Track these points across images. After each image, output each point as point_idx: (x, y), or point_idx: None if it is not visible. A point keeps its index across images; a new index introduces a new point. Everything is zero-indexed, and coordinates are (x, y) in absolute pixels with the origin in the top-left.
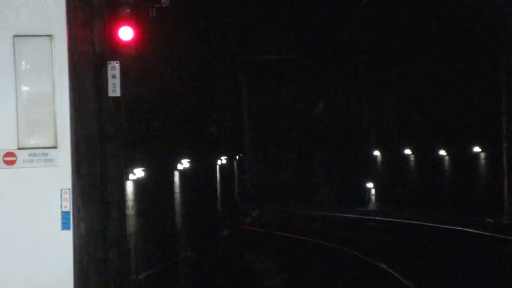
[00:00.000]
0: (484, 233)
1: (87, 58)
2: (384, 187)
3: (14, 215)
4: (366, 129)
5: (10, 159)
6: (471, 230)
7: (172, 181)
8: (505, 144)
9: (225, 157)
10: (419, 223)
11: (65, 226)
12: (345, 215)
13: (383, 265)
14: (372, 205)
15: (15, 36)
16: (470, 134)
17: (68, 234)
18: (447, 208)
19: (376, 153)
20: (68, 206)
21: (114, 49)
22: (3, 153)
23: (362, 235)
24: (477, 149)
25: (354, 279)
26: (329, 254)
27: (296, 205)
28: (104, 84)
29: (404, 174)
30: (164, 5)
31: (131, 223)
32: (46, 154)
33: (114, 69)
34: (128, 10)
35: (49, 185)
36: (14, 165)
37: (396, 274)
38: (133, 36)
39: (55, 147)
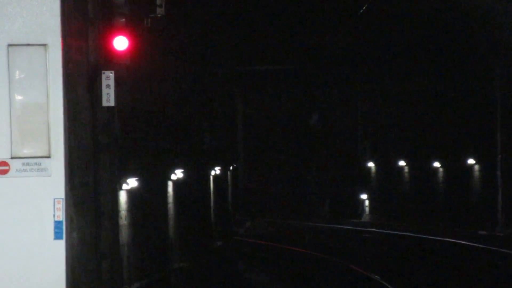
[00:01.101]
0: (478, 245)
1: (82, 68)
2: (378, 198)
3: (6, 224)
4: (361, 140)
5: (3, 168)
6: (464, 242)
7: (166, 192)
8: (499, 156)
9: (219, 168)
10: (413, 235)
11: (57, 235)
12: (339, 226)
13: (377, 277)
14: (366, 217)
15: (9, 45)
16: (464, 146)
17: (61, 244)
18: (441, 220)
19: (371, 164)
20: (61, 215)
21: (108, 59)
22: None
23: (356, 246)
24: (471, 161)
25: None
26: (323, 266)
27: (290, 216)
28: (98, 93)
29: (398, 186)
30: (159, 15)
31: (124, 233)
32: (39, 164)
33: (108, 79)
34: (123, 20)
35: (42, 194)
36: (7, 174)
37: (389, 286)
38: (128, 46)
39: (48, 157)
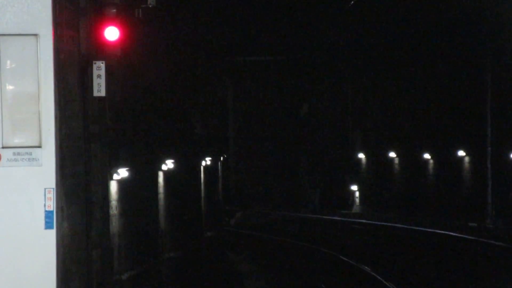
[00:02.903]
0: (468, 237)
1: (73, 58)
2: (368, 190)
3: None
4: (351, 131)
5: None
6: (454, 234)
7: (157, 182)
8: (489, 148)
9: (210, 158)
10: (403, 226)
11: (48, 225)
12: (329, 217)
13: (367, 268)
14: (356, 208)
15: (0, 35)
16: (454, 138)
17: (52, 234)
18: (431, 211)
19: (361, 155)
20: (51, 205)
21: (99, 49)
22: None
23: (346, 237)
24: (461, 153)
25: (337, 282)
26: (313, 257)
27: (280, 207)
28: (89, 83)
29: (388, 177)
30: (150, 6)
31: (115, 223)
32: (30, 154)
33: (99, 69)
34: (114, 10)
35: (33, 184)
36: None
37: (379, 277)
38: (119, 36)
39: (39, 147)
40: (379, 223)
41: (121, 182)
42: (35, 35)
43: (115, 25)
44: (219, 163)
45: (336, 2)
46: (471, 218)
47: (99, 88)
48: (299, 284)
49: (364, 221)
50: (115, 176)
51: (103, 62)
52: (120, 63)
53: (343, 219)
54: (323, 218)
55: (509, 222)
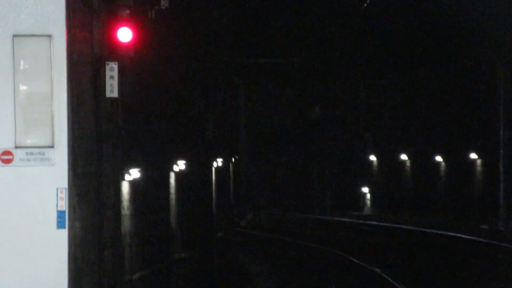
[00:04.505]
0: (479, 239)
1: (86, 59)
2: (379, 192)
3: (9, 213)
4: (363, 133)
5: (7, 157)
6: (466, 236)
7: (168, 182)
8: (501, 151)
9: (221, 160)
10: (414, 228)
11: (60, 225)
12: (340, 219)
13: (377, 270)
14: (367, 210)
15: (14, 35)
16: (466, 140)
17: (63, 233)
18: (442, 214)
19: (372, 157)
20: (63, 205)
21: (112, 50)
22: (0, 151)
23: (357, 239)
24: (473, 155)
25: (348, 283)
26: (323, 258)
27: (291, 208)
28: (102, 84)
29: (400, 179)
30: (163, 7)
31: (126, 224)
32: (43, 153)
33: (112, 70)
34: (127, 12)
35: (45, 184)
36: (11, 164)
37: (389, 279)
38: (132, 38)
39: (52, 147)
40: (390, 225)
41: (133, 183)
42: (49, 36)
43: (128, 26)
44: (230, 164)
45: (349, 3)
46: (483, 221)
47: (112, 89)
48: (309, 285)
49: (375, 223)
50: (127, 177)
51: (116, 63)
52: (133, 64)
53: (354, 220)
54: (334, 219)
55: None
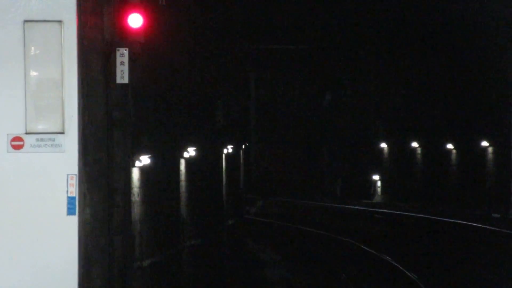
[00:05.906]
0: (490, 227)
1: (96, 45)
2: (390, 179)
3: (20, 199)
4: (373, 121)
5: (17, 143)
6: (477, 225)
7: (178, 169)
8: None
9: (231, 146)
10: (425, 216)
11: (70, 211)
12: (350, 206)
13: (388, 258)
14: (378, 198)
15: (25, 21)
16: (478, 128)
17: (74, 220)
18: (453, 202)
19: (383, 145)
20: (74, 191)
21: (123, 36)
22: (11, 137)
23: (367, 227)
24: (485, 143)
25: (358, 271)
26: (333, 246)
27: (301, 196)
28: (113, 70)
29: (410, 167)
30: None
31: (137, 210)
32: (53, 140)
33: (122, 56)
34: None
35: (56, 170)
36: (22, 150)
37: (400, 267)
38: (142, 24)
39: (62, 133)
40: (400, 212)
41: (143, 169)
42: (60, 21)
43: (139, 12)
44: (240, 151)
45: None
46: (494, 209)
47: (122, 75)
48: (319, 273)
49: (385, 210)
50: (137, 163)
51: (127, 49)
52: (144, 50)
53: (364, 208)
54: (345, 207)
55: None
